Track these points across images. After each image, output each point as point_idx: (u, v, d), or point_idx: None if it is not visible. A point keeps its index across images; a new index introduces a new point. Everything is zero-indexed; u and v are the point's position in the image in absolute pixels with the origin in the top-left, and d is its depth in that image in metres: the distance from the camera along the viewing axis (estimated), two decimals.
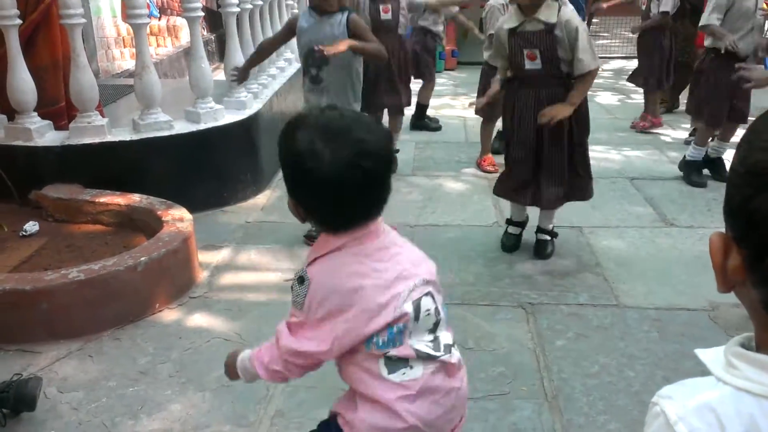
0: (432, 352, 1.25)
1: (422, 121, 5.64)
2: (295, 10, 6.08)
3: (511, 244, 3.30)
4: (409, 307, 1.21)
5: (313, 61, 3.11)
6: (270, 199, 4.03)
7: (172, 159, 3.50)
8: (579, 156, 3.11)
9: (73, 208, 3.24)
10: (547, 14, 2.85)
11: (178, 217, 2.99)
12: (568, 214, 3.71)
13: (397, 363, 1.22)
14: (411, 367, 1.23)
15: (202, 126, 3.65)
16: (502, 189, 3.28)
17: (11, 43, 3.29)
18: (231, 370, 1.42)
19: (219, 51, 7.19)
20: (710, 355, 0.72)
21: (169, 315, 2.72)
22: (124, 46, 6.00)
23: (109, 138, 3.45)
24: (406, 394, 1.22)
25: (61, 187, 3.33)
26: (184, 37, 7.27)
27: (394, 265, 1.23)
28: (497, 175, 3.58)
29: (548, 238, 3.28)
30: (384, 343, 1.20)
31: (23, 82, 3.34)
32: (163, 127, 3.49)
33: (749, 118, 4.21)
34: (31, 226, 3.14)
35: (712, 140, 4.39)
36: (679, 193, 4.15)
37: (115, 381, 2.30)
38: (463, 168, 4.68)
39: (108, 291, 2.54)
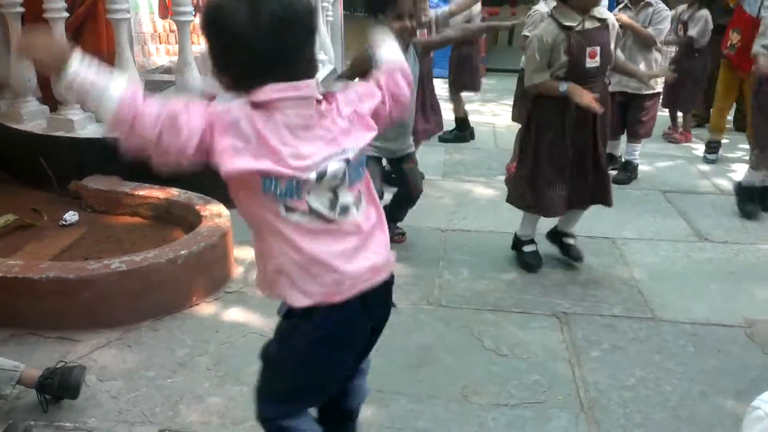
0: (326, 212, 1.37)
1: (462, 133, 5.60)
2: (330, 13, 6.12)
3: (536, 262, 3.20)
4: (312, 175, 1.33)
5: None
6: None
7: None
8: (604, 152, 3.10)
9: (112, 199, 3.29)
10: (599, 10, 2.87)
11: (216, 213, 3.02)
12: (601, 225, 3.70)
13: (294, 210, 1.36)
14: (306, 216, 1.37)
15: None
16: (543, 205, 3.07)
17: (57, 35, 3.35)
18: (49, 59, 1.23)
19: None
20: None
21: (205, 308, 2.75)
22: (160, 42, 6.07)
23: None
24: (303, 231, 1.37)
25: (100, 179, 3.37)
26: None
27: (313, 140, 1.34)
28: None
29: (574, 240, 3.28)
30: (282, 193, 1.33)
31: None
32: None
33: None
34: (71, 216, 3.19)
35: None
36: (712, 207, 4.11)
37: (154, 371, 2.33)
38: (493, 174, 4.68)
39: (148, 282, 2.58)
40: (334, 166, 1.36)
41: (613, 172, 4.23)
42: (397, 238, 3.39)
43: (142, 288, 2.56)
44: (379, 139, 2.98)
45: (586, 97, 2.77)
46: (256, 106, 1.30)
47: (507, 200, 3.26)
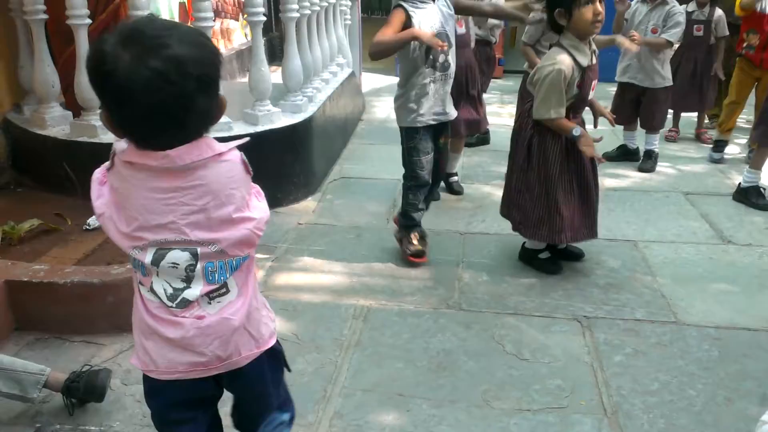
0: (164, 299, 1.33)
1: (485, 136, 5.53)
2: (348, 16, 6.14)
3: (557, 267, 3.18)
4: (144, 256, 1.28)
5: (440, 49, 2.89)
6: (321, 201, 4.07)
7: None
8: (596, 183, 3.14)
9: None
10: (591, 44, 2.92)
11: None
12: (623, 228, 3.67)
13: (142, 285, 1.35)
14: (150, 294, 1.34)
15: (260, 128, 3.71)
16: (557, 234, 3.03)
17: (80, 41, 3.39)
18: None
19: (268, 54, 7.28)
20: None
21: None
22: None
23: None
24: (144, 307, 1.36)
25: None
26: (236, 40, 7.38)
27: (159, 214, 1.25)
28: None
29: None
30: (134, 264, 1.34)
31: None
32: (222, 129, 3.55)
33: None
34: (94, 220, 3.22)
35: None
36: (735, 209, 4.06)
37: None
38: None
39: None
40: (175, 255, 1.29)
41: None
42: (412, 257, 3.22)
43: None
44: (449, 79, 3.01)
45: (591, 150, 2.86)
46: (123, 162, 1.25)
47: (523, 234, 3.19)
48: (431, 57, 2.97)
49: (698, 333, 2.65)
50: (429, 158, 3.14)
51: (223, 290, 1.36)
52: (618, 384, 2.32)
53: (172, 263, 1.29)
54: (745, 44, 4.85)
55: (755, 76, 4.90)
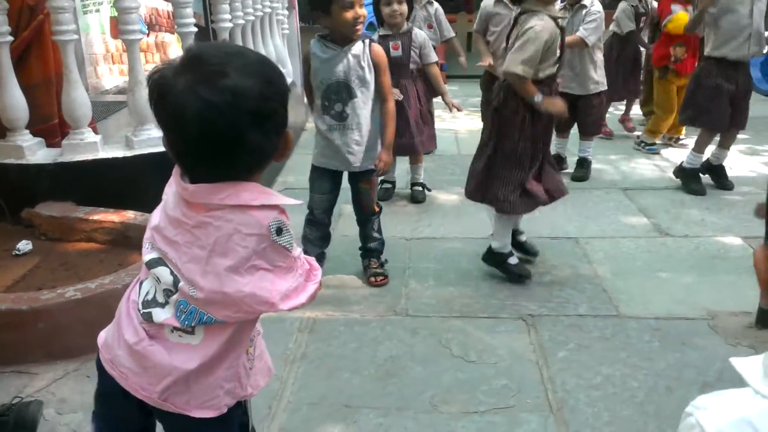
0: (140, 299, 1.30)
1: None
2: (285, 26, 6.10)
3: (527, 272, 3.12)
4: (147, 254, 1.28)
5: (337, 96, 2.85)
6: None
7: (166, 175, 3.43)
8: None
9: (66, 226, 3.20)
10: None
11: None
12: (564, 226, 3.73)
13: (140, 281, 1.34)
14: (139, 288, 1.32)
15: None
16: (526, 204, 3.00)
17: (2, 60, 3.25)
18: None
19: None
20: (747, 366, 0.71)
21: None
22: (113, 63, 5.98)
23: (102, 155, 3.41)
24: (128, 294, 1.35)
25: (53, 205, 3.28)
26: (173, 53, 7.25)
27: (174, 229, 1.23)
28: None
29: (524, 235, 3.36)
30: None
31: (15, 100, 3.30)
32: (157, 143, 3.45)
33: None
34: (24, 245, 3.09)
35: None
36: (671, 202, 4.18)
37: None
38: (456, 180, 4.68)
39: (105, 310, 2.45)
40: (163, 272, 1.25)
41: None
42: (376, 280, 3.12)
43: (99, 316, 2.44)
44: (349, 129, 2.86)
45: (560, 105, 2.83)
46: None
47: (500, 211, 3.04)
48: (326, 104, 2.89)
49: (639, 325, 2.71)
50: (323, 199, 3.06)
51: (189, 329, 1.26)
52: (563, 380, 2.34)
53: (158, 277, 1.26)
54: (672, 57, 5.16)
55: (680, 85, 5.15)
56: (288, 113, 1.21)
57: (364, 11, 2.77)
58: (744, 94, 4.21)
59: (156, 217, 1.29)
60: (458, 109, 4.07)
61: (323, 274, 3.07)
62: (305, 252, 3.15)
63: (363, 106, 2.88)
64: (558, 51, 2.82)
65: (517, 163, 2.93)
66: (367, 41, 2.87)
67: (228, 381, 1.31)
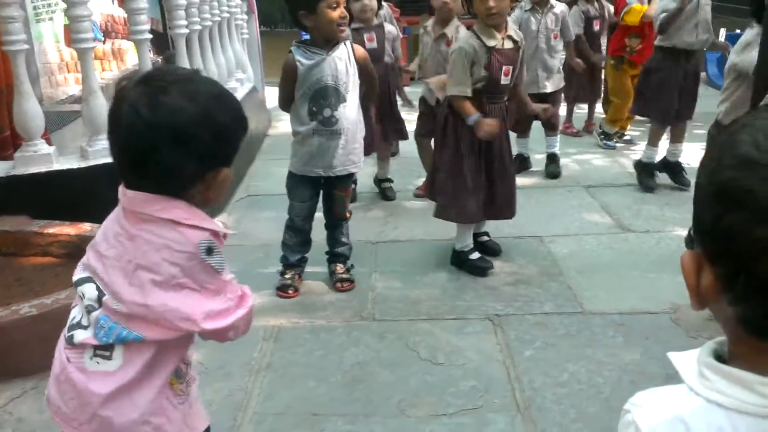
0: (66, 329, 1.28)
1: None
2: (245, 30, 6.04)
3: (487, 264, 3.20)
4: (76, 273, 1.27)
5: (326, 101, 2.82)
6: (227, 222, 3.95)
7: None
8: (511, 162, 3.27)
9: (20, 240, 3.11)
10: (513, 33, 3.03)
11: None
12: (529, 225, 3.75)
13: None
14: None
15: None
16: (465, 214, 3.13)
17: None
18: None
19: None
20: (683, 362, 0.70)
21: None
22: (68, 72, 5.83)
23: (57, 166, 3.33)
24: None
25: (7, 220, 3.19)
26: (130, 60, 7.11)
27: (107, 243, 1.23)
28: None
29: (488, 236, 3.45)
30: None
31: None
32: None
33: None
34: None
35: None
36: (632, 199, 4.24)
37: None
38: (421, 182, 4.68)
39: (62, 326, 2.41)
40: (88, 288, 1.23)
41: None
42: (342, 285, 3.09)
43: (56, 332, 2.35)
44: (337, 134, 2.85)
45: (488, 129, 2.91)
46: None
47: (434, 215, 3.26)
48: (314, 110, 2.86)
49: (603, 321, 2.73)
50: (303, 207, 3.03)
51: (107, 354, 1.21)
52: (530, 378, 2.35)
53: (82, 293, 1.24)
54: (627, 48, 5.27)
55: (633, 74, 5.23)
56: (225, 151, 1.19)
57: (346, 13, 2.78)
58: (693, 86, 4.30)
59: (97, 234, 1.28)
60: (410, 104, 4.30)
61: (305, 279, 3.12)
62: (285, 258, 3.10)
63: (352, 109, 2.90)
64: (484, 70, 2.94)
65: (453, 174, 3.09)
66: (348, 43, 2.89)
67: (154, 415, 1.24)
